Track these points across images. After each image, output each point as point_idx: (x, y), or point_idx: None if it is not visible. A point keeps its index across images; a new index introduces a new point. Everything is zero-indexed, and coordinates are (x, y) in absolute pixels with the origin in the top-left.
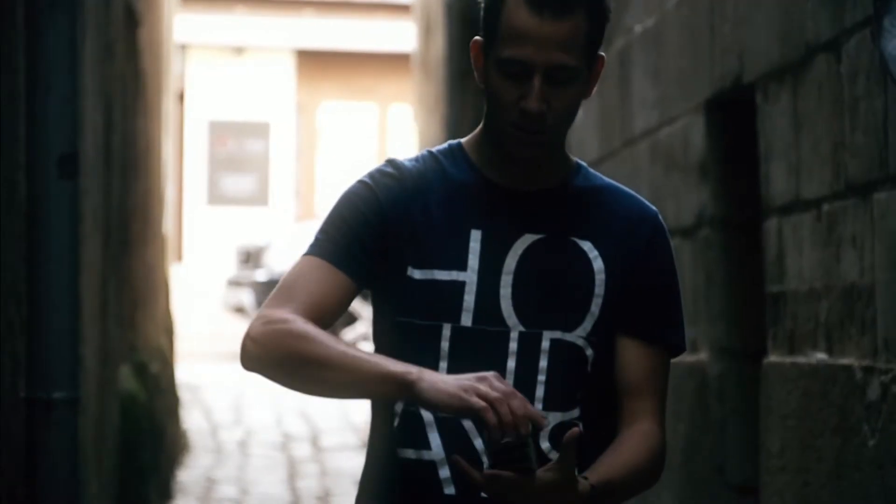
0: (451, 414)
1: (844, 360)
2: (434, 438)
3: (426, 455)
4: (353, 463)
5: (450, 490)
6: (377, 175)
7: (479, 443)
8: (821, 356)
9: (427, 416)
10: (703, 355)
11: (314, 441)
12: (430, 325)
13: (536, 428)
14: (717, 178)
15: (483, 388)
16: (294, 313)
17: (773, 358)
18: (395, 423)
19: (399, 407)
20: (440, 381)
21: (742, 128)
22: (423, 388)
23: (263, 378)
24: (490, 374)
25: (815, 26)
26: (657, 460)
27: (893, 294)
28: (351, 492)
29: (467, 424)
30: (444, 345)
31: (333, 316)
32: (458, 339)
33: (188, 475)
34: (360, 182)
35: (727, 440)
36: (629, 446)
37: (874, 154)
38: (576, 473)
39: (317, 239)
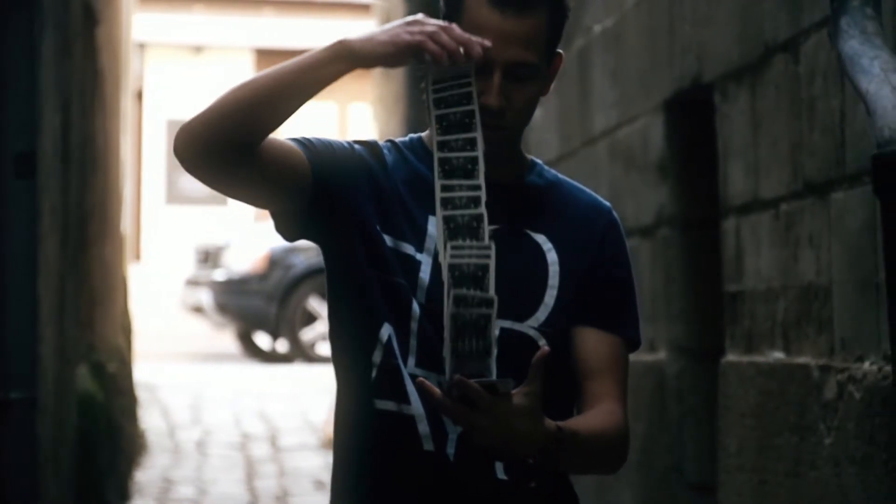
0: (391, 62)
1: (801, 360)
2: (413, 393)
3: (406, 409)
4: (311, 463)
5: (429, 446)
6: (354, 141)
7: None
8: (778, 355)
9: (405, 370)
10: (661, 354)
11: (273, 441)
12: (402, 284)
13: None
14: (675, 177)
15: (415, 28)
16: None
17: (730, 357)
18: (374, 374)
19: (378, 358)
20: (369, 35)
21: (701, 127)
22: (357, 45)
23: (202, 160)
24: (418, 16)
25: (773, 27)
26: (622, 439)
27: (850, 294)
28: (310, 491)
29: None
30: (416, 307)
31: (277, 146)
32: (422, 310)
33: (146, 475)
34: (342, 140)
35: (685, 439)
36: (595, 417)
37: (831, 154)
38: (540, 404)
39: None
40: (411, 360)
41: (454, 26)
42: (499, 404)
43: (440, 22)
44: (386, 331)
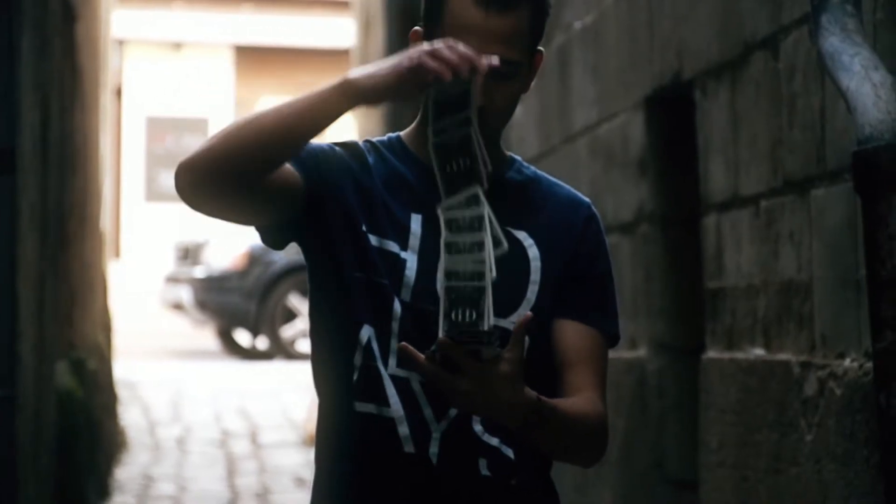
0: (396, 94)
1: (782, 356)
2: (392, 395)
3: (386, 412)
4: (291, 460)
5: (409, 448)
6: (334, 143)
7: (428, 412)
8: (759, 352)
9: (384, 372)
10: (641, 351)
11: (253, 438)
12: (384, 283)
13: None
14: (656, 174)
15: (414, 52)
16: None
17: (711, 353)
18: (355, 376)
19: (358, 360)
20: (373, 69)
21: (681, 124)
22: (361, 81)
23: (205, 198)
24: (424, 44)
25: (754, 23)
26: (602, 426)
27: (830, 290)
28: (290, 488)
29: (416, 388)
30: (397, 306)
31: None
32: (405, 309)
33: (126, 472)
34: (327, 143)
35: (666, 436)
36: (576, 401)
37: (812, 151)
38: (522, 371)
39: None
40: (392, 362)
41: (459, 44)
42: (482, 369)
43: (439, 42)
44: (366, 332)
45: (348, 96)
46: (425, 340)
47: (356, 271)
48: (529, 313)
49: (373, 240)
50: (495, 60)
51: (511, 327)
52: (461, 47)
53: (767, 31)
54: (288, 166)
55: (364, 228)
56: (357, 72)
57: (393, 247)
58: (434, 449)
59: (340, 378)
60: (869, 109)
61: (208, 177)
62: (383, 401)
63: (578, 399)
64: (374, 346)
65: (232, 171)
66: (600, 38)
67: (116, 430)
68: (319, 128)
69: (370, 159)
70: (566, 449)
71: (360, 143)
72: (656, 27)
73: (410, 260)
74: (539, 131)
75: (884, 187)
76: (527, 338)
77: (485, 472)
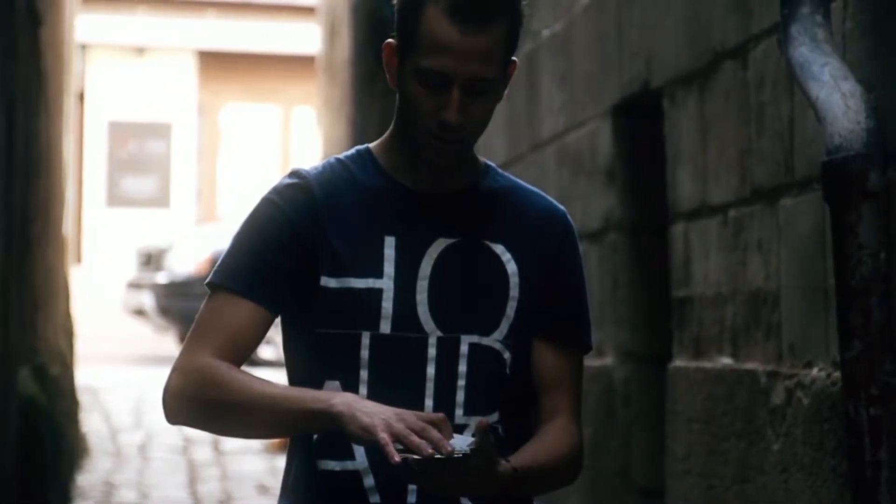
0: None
1: (749, 365)
2: (358, 448)
3: (350, 465)
4: (254, 467)
5: (375, 499)
6: (283, 190)
7: None
8: (726, 361)
9: None
10: (608, 359)
11: (215, 445)
12: (348, 333)
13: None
14: (623, 182)
15: (395, 427)
16: (210, 357)
17: (678, 362)
18: (315, 435)
19: None
20: (358, 409)
21: (649, 133)
22: (346, 419)
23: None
24: (406, 414)
25: (723, 33)
26: (577, 455)
27: (798, 299)
28: (252, 496)
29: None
30: (364, 353)
31: (251, 349)
32: (378, 346)
33: (88, 479)
34: (267, 200)
35: (633, 444)
36: (550, 437)
37: (780, 160)
38: (495, 456)
39: (225, 266)
40: None
41: (430, 429)
42: (453, 469)
43: (428, 416)
44: (328, 387)
45: (329, 424)
46: (407, 371)
47: (317, 327)
48: (486, 420)
49: (333, 283)
50: (470, 425)
51: (495, 345)
52: (434, 433)
53: (736, 41)
54: (255, 319)
55: (324, 274)
56: (348, 406)
57: (363, 282)
58: (412, 499)
59: (303, 437)
60: (838, 119)
61: (196, 427)
62: (347, 455)
63: (552, 435)
64: None
65: (209, 431)
66: (569, 46)
67: (78, 436)
68: (291, 434)
69: (321, 193)
70: (546, 490)
71: (314, 171)
72: (625, 36)
73: (387, 288)
74: (507, 138)
75: (853, 197)
76: (508, 354)
77: (467, 502)
